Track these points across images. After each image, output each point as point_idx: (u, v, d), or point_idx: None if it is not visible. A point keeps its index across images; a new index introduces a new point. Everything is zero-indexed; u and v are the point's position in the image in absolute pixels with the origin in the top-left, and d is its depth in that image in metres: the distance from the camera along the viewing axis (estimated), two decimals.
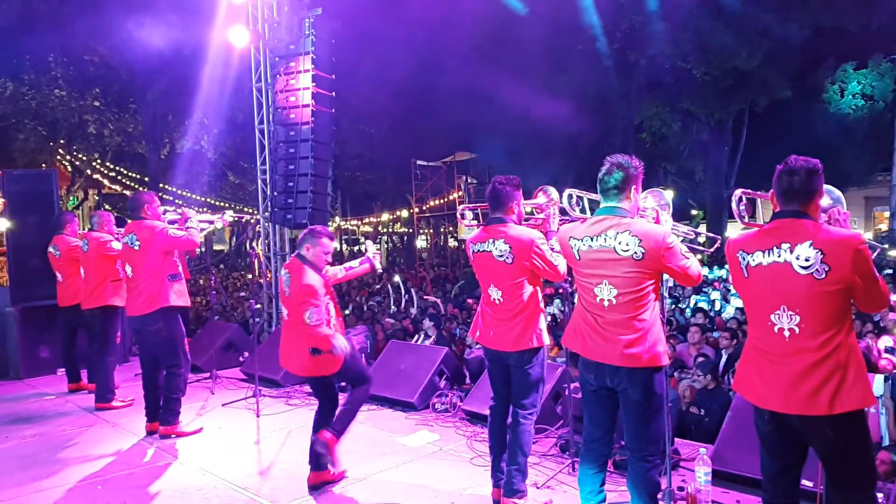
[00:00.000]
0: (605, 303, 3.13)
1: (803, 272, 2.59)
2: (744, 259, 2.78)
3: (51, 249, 6.89)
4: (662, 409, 3.21)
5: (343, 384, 4.59)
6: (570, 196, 3.63)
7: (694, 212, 25.66)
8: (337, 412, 4.34)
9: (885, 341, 3.55)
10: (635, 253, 3.03)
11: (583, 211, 3.65)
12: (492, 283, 3.85)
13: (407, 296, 14.97)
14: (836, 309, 2.59)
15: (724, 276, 15.58)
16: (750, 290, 2.80)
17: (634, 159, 3.21)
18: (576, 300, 3.44)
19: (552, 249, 3.73)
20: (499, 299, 3.82)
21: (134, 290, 5.38)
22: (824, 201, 3.08)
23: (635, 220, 3.12)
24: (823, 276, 2.55)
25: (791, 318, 2.64)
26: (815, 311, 2.60)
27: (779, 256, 2.66)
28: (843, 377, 2.56)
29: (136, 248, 5.31)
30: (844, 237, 2.57)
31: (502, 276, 3.78)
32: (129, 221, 5.50)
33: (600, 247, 3.13)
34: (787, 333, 2.66)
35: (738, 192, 3.04)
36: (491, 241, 3.80)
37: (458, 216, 4.40)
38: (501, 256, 3.74)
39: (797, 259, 2.60)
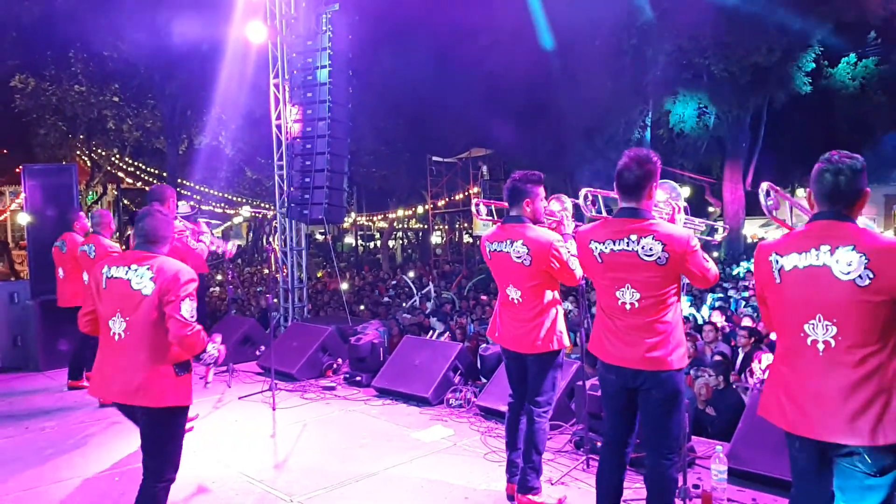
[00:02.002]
0: (627, 306, 3.09)
1: (844, 278, 2.34)
2: (777, 262, 2.54)
3: (58, 244, 6.92)
4: (682, 408, 3.19)
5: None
6: (587, 196, 3.59)
7: (711, 209, 25.46)
8: None
9: None
10: (659, 258, 2.99)
11: (598, 211, 3.61)
12: (510, 284, 3.81)
13: (420, 293, 15.00)
14: (878, 322, 2.32)
15: (741, 276, 15.48)
16: (782, 297, 2.54)
17: (653, 154, 3.15)
18: (589, 300, 3.42)
19: (569, 252, 3.70)
20: (518, 299, 3.79)
21: None
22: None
23: (658, 223, 3.05)
24: (867, 282, 2.30)
25: (827, 329, 2.38)
26: (855, 323, 2.34)
27: (817, 259, 2.41)
28: (887, 402, 2.29)
29: None
30: (894, 244, 2.32)
31: (521, 278, 3.75)
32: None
33: (622, 250, 3.07)
34: (821, 346, 2.40)
35: (765, 185, 2.86)
36: (509, 241, 3.76)
37: (473, 210, 4.36)
38: (520, 258, 3.70)
39: (837, 263, 2.36)
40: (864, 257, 2.32)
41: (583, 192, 3.63)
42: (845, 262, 2.35)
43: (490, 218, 4.25)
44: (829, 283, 2.38)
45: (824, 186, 2.47)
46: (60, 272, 6.92)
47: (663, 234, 3.00)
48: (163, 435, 3.21)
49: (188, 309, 3.10)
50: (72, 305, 6.72)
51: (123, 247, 6.45)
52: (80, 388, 6.82)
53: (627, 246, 3.06)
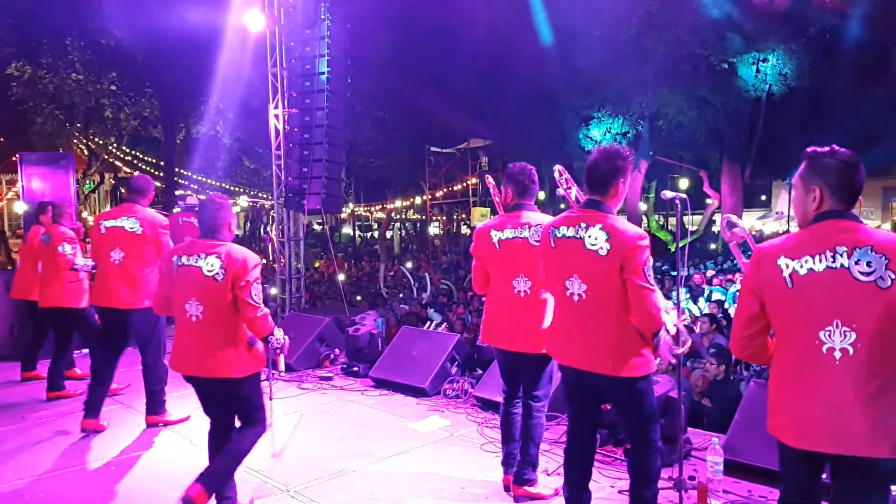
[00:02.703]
0: (575, 297, 3.07)
1: (864, 279, 2.21)
2: (788, 266, 2.34)
3: (43, 238, 6.19)
4: (650, 399, 3.14)
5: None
6: (560, 172, 3.57)
7: (709, 201, 25.44)
8: None
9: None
10: (601, 248, 2.96)
11: (568, 187, 3.60)
12: (521, 273, 3.71)
13: (417, 283, 15.01)
14: None
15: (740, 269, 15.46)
16: (794, 303, 2.34)
17: (625, 149, 3.12)
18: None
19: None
20: (525, 291, 3.73)
21: (124, 277, 5.09)
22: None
23: (612, 218, 3.02)
24: (889, 284, 2.18)
25: (845, 336, 2.23)
26: (876, 329, 2.20)
27: (834, 261, 2.26)
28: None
29: (139, 233, 5.09)
30: None
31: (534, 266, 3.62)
32: (126, 203, 5.26)
33: (572, 237, 3.06)
34: (837, 354, 2.24)
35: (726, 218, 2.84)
36: (520, 227, 3.72)
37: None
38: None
39: (857, 264, 2.22)
40: (883, 258, 2.20)
41: (556, 167, 3.62)
42: (865, 263, 2.22)
43: (486, 210, 4.22)
44: (848, 286, 2.24)
45: (842, 181, 2.34)
46: (39, 266, 6.18)
47: (611, 226, 2.97)
48: (246, 397, 3.59)
49: (257, 293, 3.43)
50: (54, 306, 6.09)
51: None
52: (35, 380, 6.65)
53: (577, 233, 3.05)
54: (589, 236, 3.00)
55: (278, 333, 3.59)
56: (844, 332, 2.23)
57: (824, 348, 2.27)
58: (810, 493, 2.44)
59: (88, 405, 5.17)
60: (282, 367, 4.33)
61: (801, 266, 2.32)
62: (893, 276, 2.18)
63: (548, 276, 3.27)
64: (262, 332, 3.51)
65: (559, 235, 3.12)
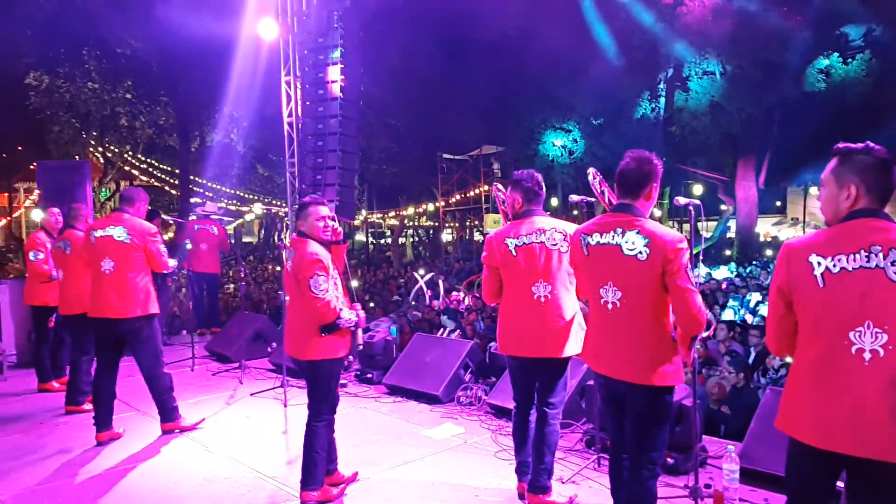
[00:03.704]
0: (609, 305, 3.03)
1: None
2: (820, 265, 2.30)
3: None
4: (664, 424, 3.05)
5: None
6: (594, 176, 3.56)
7: (723, 207, 25.31)
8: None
9: None
10: (640, 253, 2.91)
11: (602, 196, 3.61)
12: (541, 278, 3.71)
13: (430, 291, 15.00)
14: None
15: (756, 274, 15.36)
16: (825, 302, 2.29)
17: (655, 156, 3.11)
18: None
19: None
20: (546, 296, 3.70)
21: (115, 287, 5.09)
22: None
23: (647, 221, 2.99)
24: None
25: (876, 337, 2.18)
26: None
27: (868, 261, 2.20)
28: None
29: (127, 241, 5.09)
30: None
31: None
32: (113, 212, 5.28)
33: (607, 243, 3.02)
34: (867, 356, 2.19)
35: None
36: (536, 232, 3.73)
37: (495, 191, 4.26)
38: (550, 246, 3.69)
39: (893, 265, 2.17)
40: None
41: (591, 170, 3.62)
42: None
43: (499, 216, 4.25)
44: (882, 286, 2.18)
45: (880, 181, 2.30)
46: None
47: (649, 230, 2.93)
48: (323, 381, 3.98)
49: (317, 285, 3.75)
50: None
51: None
52: (49, 392, 6.62)
53: (612, 239, 3.01)
54: (626, 241, 2.95)
55: (346, 314, 3.88)
56: (876, 333, 2.18)
57: (853, 349, 2.22)
58: (821, 493, 2.40)
59: (98, 420, 5.18)
60: (360, 341, 4.34)
61: (834, 265, 2.27)
62: None
63: (580, 284, 3.25)
64: (324, 319, 3.81)
65: (592, 243, 3.07)
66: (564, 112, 19.67)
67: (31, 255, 6.64)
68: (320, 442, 3.96)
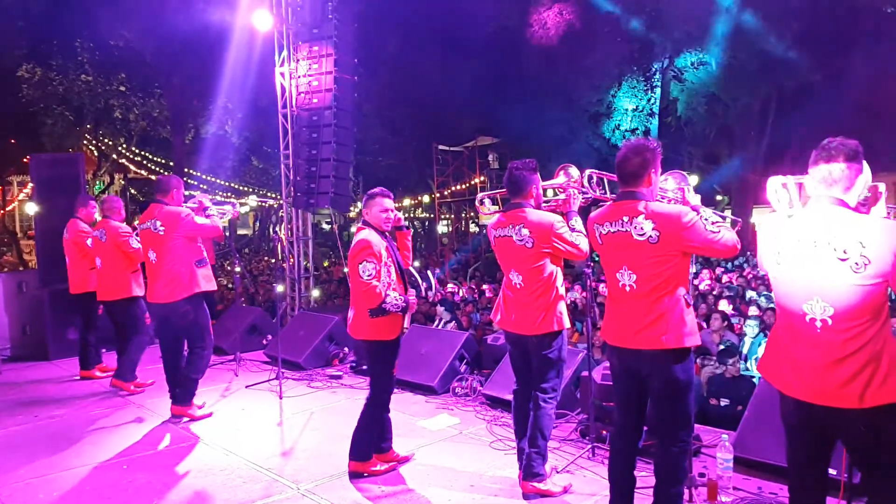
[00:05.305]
0: (627, 288, 3.13)
1: (841, 263, 2.45)
2: (780, 244, 2.66)
3: (97, 234, 6.71)
4: (688, 393, 3.16)
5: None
6: (591, 177, 3.63)
7: (719, 197, 25.32)
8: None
9: None
10: (651, 237, 3.01)
11: (604, 192, 3.65)
12: (513, 268, 3.87)
13: (426, 283, 14.99)
14: (872, 301, 2.45)
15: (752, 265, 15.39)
16: (783, 277, 2.67)
17: (652, 141, 3.21)
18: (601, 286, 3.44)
19: (572, 230, 3.76)
20: (520, 283, 3.84)
21: (158, 275, 5.37)
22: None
23: (649, 203, 3.09)
24: (863, 269, 2.42)
25: (824, 310, 2.51)
26: (850, 304, 2.46)
27: (815, 246, 2.51)
28: (875, 369, 2.44)
29: (161, 232, 5.32)
30: (888, 227, 2.43)
31: (523, 261, 3.80)
32: (152, 204, 5.49)
33: (617, 231, 3.13)
34: (818, 324, 2.53)
35: (774, 182, 2.82)
36: (511, 226, 3.82)
37: (477, 203, 4.39)
38: (522, 241, 3.76)
39: (835, 251, 2.46)
40: (859, 245, 2.42)
41: (587, 172, 3.66)
42: (842, 249, 2.45)
43: (496, 208, 4.28)
44: (827, 267, 2.48)
45: (821, 172, 2.57)
46: (67, 260, 6.89)
47: (652, 212, 3.04)
48: (373, 361, 4.28)
49: (363, 271, 3.97)
50: (80, 292, 6.79)
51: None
52: (91, 379, 6.86)
53: (622, 227, 3.10)
54: (634, 227, 3.06)
55: (391, 298, 4.02)
56: (823, 306, 2.52)
57: (807, 318, 2.57)
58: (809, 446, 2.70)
59: (172, 396, 5.56)
60: (406, 324, 4.42)
61: (788, 247, 2.62)
62: (867, 261, 2.40)
63: (604, 269, 3.33)
64: (371, 303, 3.99)
65: (605, 232, 3.20)
66: (561, 102, 19.61)
67: (87, 242, 6.76)
68: (363, 419, 4.24)
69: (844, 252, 2.45)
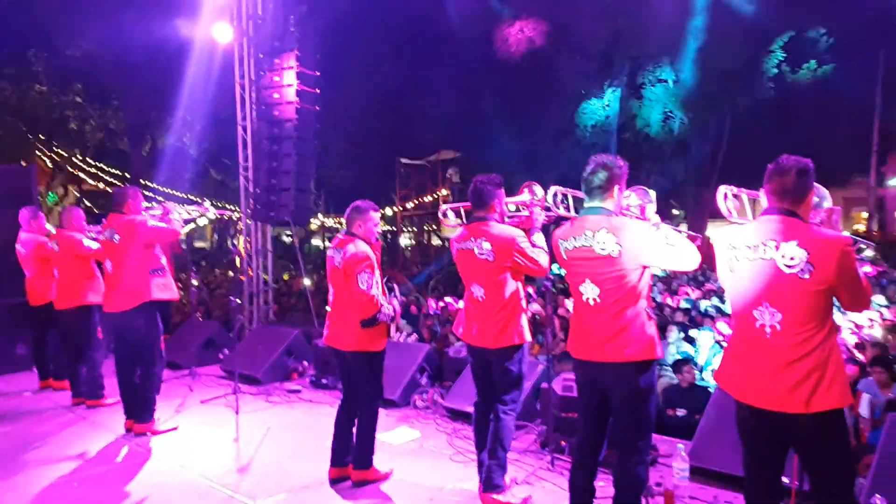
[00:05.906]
0: (591, 301, 3.16)
1: (788, 271, 2.57)
2: (732, 253, 2.78)
3: (17, 247, 6.68)
4: (648, 405, 3.19)
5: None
6: (556, 194, 3.67)
7: (675, 211, 25.78)
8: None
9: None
10: (612, 251, 3.04)
11: (567, 209, 3.68)
12: (474, 282, 3.89)
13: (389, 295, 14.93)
14: (818, 308, 2.58)
15: (709, 279, 15.64)
16: (734, 285, 2.80)
17: (619, 159, 3.24)
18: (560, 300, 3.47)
19: (534, 245, 3.78)
20: (481, 297, 3.85)
21: (114, 285, 5.31)
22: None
23: (613, 219, 3.12)
24: (808, 276, 2.54)
25: (773, 316, 2.63)
26: (797, 310, 2.59)
27: (764, 254, 2.64)
28: (821, 376, 2.55)
29: (116, 241, 5.25)
30: (831, 238, 2.56)
31: (484, 274, 3.82)
32: (110, 214, 5.43)
33: (581, 246, 3.15)
34: (768, 330, 2.65)
35: (723, 188, 3.03)
36: (473, 239, 3.84)
37: (440, 216, 4.41)
38: (483, 255, 3.78)
39: (782, 258, 2.58)
40: (805, 252, 2.55)
41: (551, 189, 3.70)
42: (789, 257, 2.57)
43: (458, 221, 4.29)
44: (774, 275, 2.61)
45: (773, 185, 2.70)
46: (27, 273, 6.73)
47: (614, 226, 3.07)
48: (365, 371, 4.29)
49: (363, 281, 4.05)
50: (41, 304, 6.61)
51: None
52: (49, 389, 6.73)
53: (586, 241, 3.13)
54: (597, 242, 3.09)
55: (385, 308, 4.15)
56: (772, 312, 2.65)
57: (757, 324, 2.69)
58: (762, 453, 2.81)
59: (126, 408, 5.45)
60: (393, 333, 4.51)
61: (739, 255, 2.76)
62: (812, 268, 2.53)
63: (569, 283, 3.36)
64: (366, 312, 4.08)
65: (570, 247, 3.23)
66: (522, 118, 19.84)
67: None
68: (361, 430, 4.33)
69: (791, 259, 2.56)
